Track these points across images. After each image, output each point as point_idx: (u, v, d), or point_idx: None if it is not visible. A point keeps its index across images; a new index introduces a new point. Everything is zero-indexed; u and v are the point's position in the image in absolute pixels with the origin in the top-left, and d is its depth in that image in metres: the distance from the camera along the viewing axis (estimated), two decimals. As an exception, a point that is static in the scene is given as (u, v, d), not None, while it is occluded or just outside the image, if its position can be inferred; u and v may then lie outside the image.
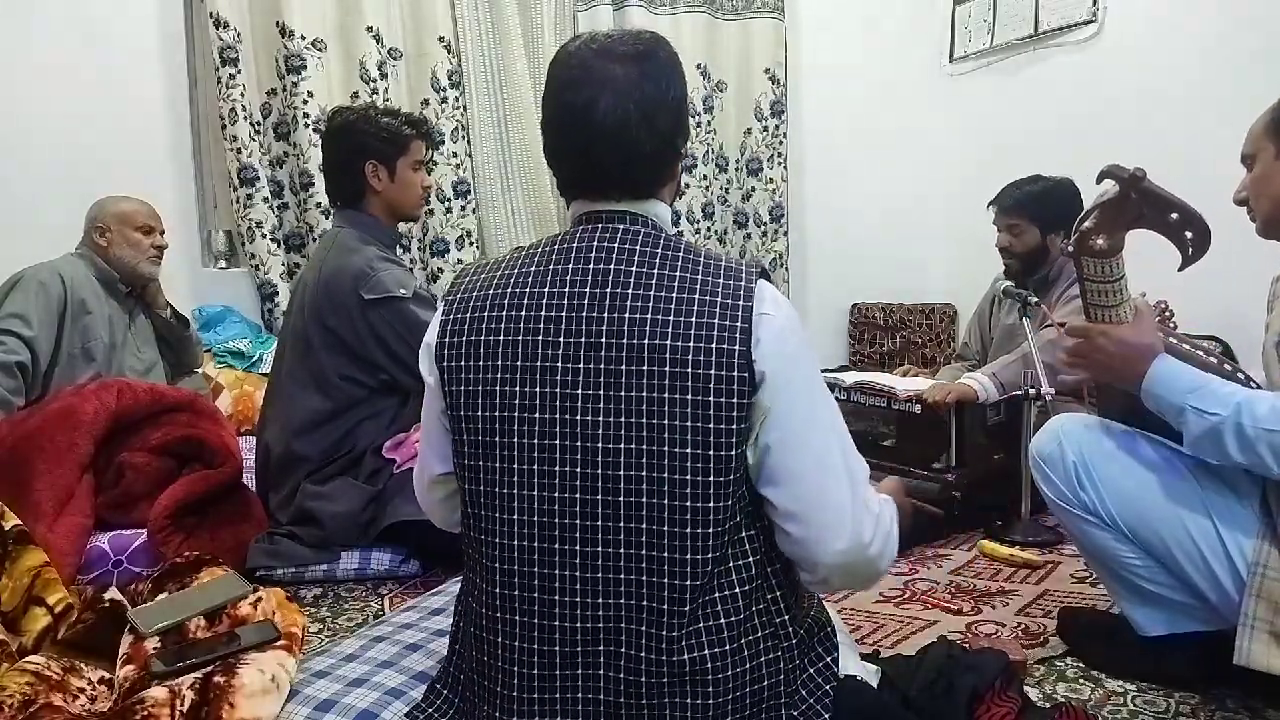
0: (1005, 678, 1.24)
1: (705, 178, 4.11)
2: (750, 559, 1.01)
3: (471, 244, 3.68)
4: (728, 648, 0.98)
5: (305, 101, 3.31)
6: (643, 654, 0.98)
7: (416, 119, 2.22)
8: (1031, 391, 2.12)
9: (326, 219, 3.34)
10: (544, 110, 1.07)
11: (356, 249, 2.06)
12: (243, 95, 3.25)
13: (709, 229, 4.17)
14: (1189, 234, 1.25)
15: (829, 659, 1.10)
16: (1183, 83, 3.01)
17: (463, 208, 3.66)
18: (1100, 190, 1.28)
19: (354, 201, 2.14)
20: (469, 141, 3.66)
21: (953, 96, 3.93)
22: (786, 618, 1.04)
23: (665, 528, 0.96)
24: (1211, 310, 2.60)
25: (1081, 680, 1.47)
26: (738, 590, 1.00)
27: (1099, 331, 1.33)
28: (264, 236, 3.33)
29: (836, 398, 1.39)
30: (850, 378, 2.57)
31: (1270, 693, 1.33)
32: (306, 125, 3.31)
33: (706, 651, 0.97)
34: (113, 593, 1.55)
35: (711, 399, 0.95)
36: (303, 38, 3.31)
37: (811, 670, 1.08)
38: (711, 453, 0.96)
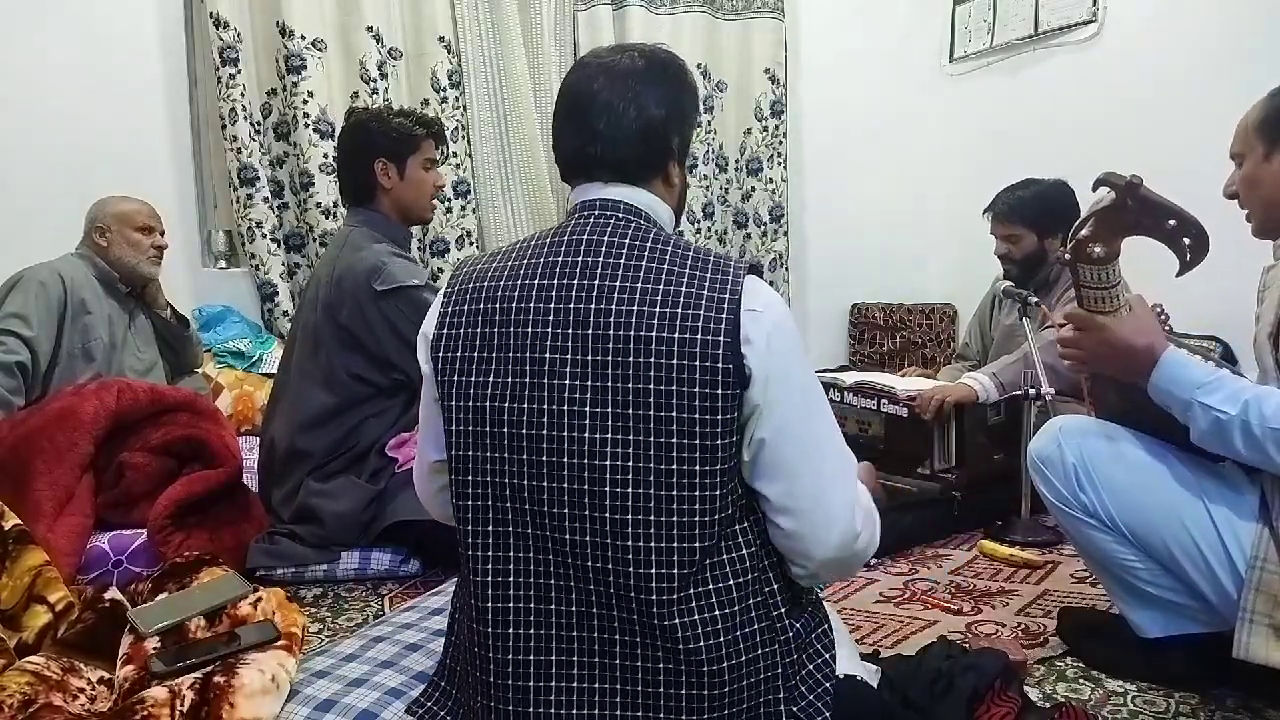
0: (1005, 678, 1.25)
1: (705, 178, 4.10)
2: (745, 550, 1.02)
3: (471, 244, 3.68)
4: (723, 639, 0.98)
5: (305, 101, 3.30)
6: (636, 642, 0.99)
7: (429, 119, 2.24)
8: (1032, 392, 2.13)
9: (327, 219, 3.34)
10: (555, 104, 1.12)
11: (368, 246, 2.08)
12: (243, 95, 3.25)
13: (709, 229, 4.16)
14: (1187, 240, 1.24)
15: (828, 655, 1.10)
16: (1183, 83, 3.01)
17: (463, 208, 3.65)
18: (1096, 197, 1.28)
19: (364, 199, 2.17)
20: (469, 141, 3.65)
21: (953, 96, 3.92)
22: (783, 610, 1.04)
23: (653, 516, 0.97)
24: (1211, 310, 2.60)
25: (1081, 680, 1.47)
26: (732, 582, 1.00)
27: (1101, 324, 1.30)
28: (264, 236, 3.32)
29: (829, 399, 1.40)
30: (850, 377, 2.57)
31: (1270, 693, 1.34)
32: (306, 125, 3.31)
33: (702, 643, 0.97)
34: (113, 593, 1.55)
35: (696, 389, 0.96)
36: (303, 38, 3.31)
37: (811, 666, 1.08)
38: (696, 442, 0.96)
